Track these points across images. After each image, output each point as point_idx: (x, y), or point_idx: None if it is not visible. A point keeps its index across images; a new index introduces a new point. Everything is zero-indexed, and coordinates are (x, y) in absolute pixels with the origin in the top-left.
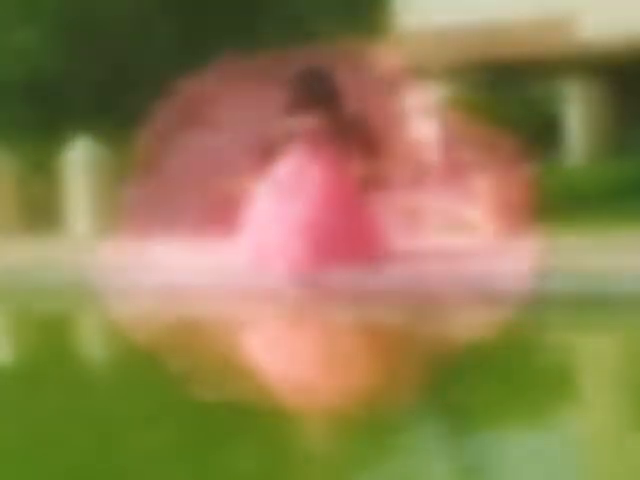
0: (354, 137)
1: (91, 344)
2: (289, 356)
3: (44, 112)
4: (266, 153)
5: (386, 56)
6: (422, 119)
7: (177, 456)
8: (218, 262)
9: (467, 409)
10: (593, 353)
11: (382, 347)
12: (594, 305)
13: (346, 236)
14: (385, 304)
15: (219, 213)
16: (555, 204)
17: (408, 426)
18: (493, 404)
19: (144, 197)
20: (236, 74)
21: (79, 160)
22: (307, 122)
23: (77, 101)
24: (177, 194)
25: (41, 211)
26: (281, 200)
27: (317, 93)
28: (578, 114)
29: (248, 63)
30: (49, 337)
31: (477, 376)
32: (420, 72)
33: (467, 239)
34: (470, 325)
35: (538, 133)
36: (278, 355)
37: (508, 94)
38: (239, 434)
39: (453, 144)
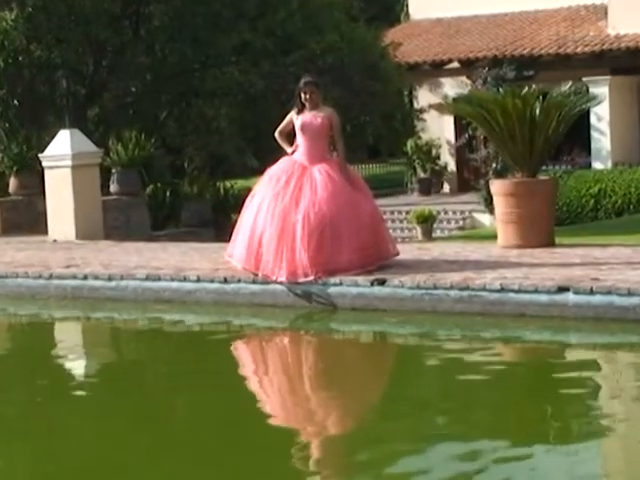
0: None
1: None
2: None
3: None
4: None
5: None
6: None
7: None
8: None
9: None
10: None
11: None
12: None
13: (350, 238)
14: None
15: None
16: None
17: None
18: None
19: None
20: None
21: (61, 153)
22: (309, 118)
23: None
24: None
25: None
26: (278, 198)
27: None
28: (609, 113)
29: None
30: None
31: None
32: (436, 65)
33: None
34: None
35: (567, 132)
36: None
37: (533, 90)
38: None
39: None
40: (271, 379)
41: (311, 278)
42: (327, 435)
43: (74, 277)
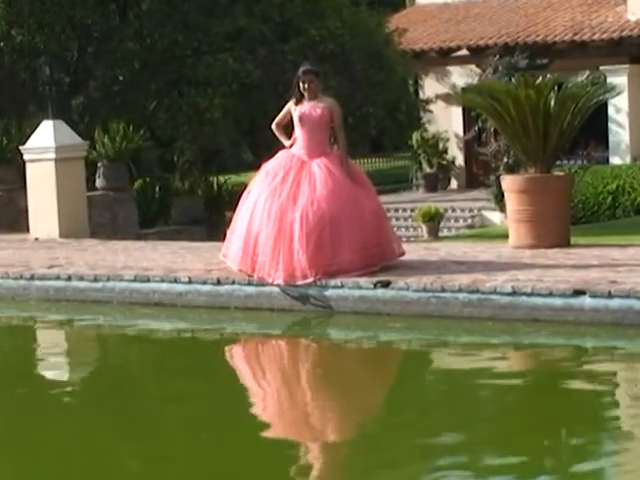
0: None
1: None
2: None
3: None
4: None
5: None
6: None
7: None
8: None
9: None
10: None
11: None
12: None
13: (352, 237)
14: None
15: None
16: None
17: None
18: None
19: None
20: None
21: (44, 145)
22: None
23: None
24: None
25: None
26: (275, 195)
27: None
28: (628, 104)
29: None
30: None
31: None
32: (444, 53)
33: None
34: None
35: (583, 125)
36: None
37: (547, 80)
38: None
39: None
40: (267, 389)
41: (310, 280)
42: (325, 449)
43: (57, 278)
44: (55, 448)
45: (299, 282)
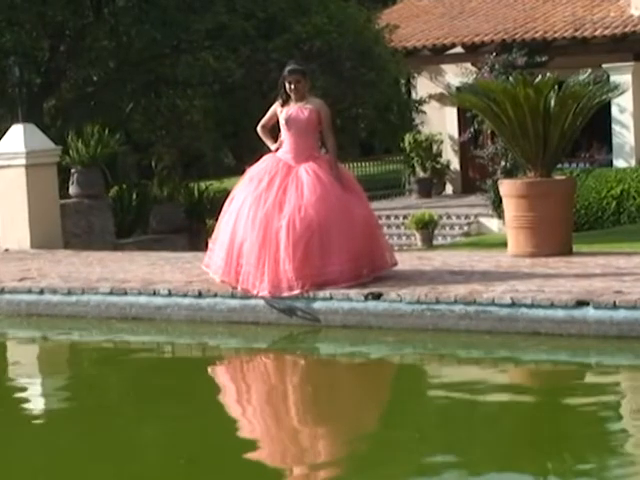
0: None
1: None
2: None
3: None
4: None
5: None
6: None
7: None
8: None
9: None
10: None
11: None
12: None
13: (341, 246)
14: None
15: None
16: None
17: None
18: None
19: None
20: None
21: (14, 151)
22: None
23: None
24: None
25: None
26: (260, 201)
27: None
28: (633, 104)
29: None
30: None
31: None
32: (437, 50)
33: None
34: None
35: (586, 126)
36: None
37: (547, 78)
38: None
39: None
40: (252, 408)
41: (297, 292)
42: (316, 471)
43: (29, 292)
44: (25, 471)
45: (285, 294)
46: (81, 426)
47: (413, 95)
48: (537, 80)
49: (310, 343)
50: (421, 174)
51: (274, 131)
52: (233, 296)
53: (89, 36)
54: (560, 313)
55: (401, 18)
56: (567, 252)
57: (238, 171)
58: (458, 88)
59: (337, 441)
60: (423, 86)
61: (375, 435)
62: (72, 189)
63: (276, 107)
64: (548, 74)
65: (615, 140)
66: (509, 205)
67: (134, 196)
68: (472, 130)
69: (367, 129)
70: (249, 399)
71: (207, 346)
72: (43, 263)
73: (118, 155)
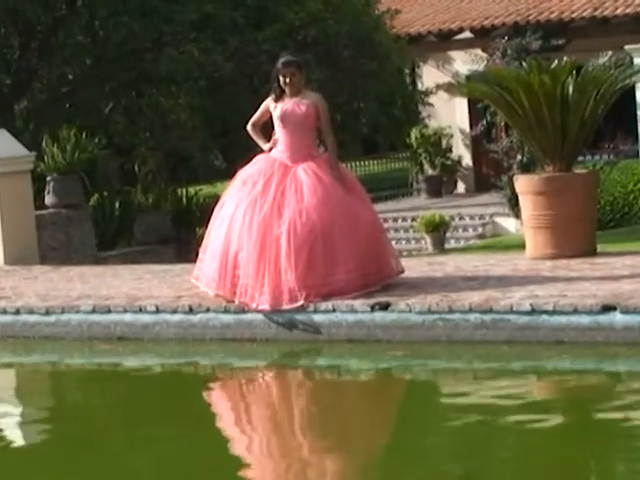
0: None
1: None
2: None
3: None
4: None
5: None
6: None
7: None
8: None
9: None
10: None
11: None
12: None
13: (346, 253)
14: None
15: None
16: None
17: None
18: None
19: None
20: None
21: None
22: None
23: None
24: None
25: None
26: (256, 206)
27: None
28: None
29: None
30: None
31: None
32: (444, 36)
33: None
34: None
35: (608, 114)
36: None
37: (564, 63)
38: None
39: None
40: (251, 432)
41: (300, 303)
42: None
43: (4, 312)
44: None
45: (287, 306)
46: (64, 455)
47: (419, 86)
48: (553, 65)
49: (312, 360)
50: (430, 172)
51: (266, 129)
52: (227, 311)
53: (62, 31)
54: (585, 319)
55: (403, 2)
56: (591, 253)
57: (229, 174)
58: (468, 77)
59: (340, 475)
60: (429, 76)
61: (384, 466)
62: (48, 199)
63: (269, 103)
64: (565, 58)
65: None
66: (526, 203)
67: (116, 205)
68: (484, 122)
69: (369, 124)
70: (246, 421)
71: (199, 366)
72: (18, 280)
73: (98, 160)
